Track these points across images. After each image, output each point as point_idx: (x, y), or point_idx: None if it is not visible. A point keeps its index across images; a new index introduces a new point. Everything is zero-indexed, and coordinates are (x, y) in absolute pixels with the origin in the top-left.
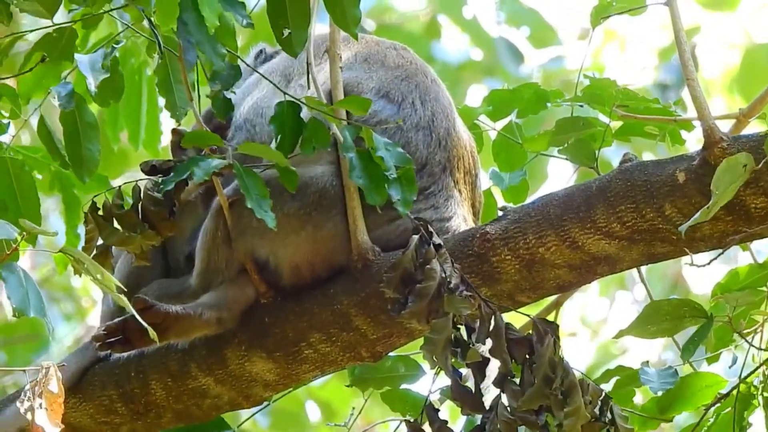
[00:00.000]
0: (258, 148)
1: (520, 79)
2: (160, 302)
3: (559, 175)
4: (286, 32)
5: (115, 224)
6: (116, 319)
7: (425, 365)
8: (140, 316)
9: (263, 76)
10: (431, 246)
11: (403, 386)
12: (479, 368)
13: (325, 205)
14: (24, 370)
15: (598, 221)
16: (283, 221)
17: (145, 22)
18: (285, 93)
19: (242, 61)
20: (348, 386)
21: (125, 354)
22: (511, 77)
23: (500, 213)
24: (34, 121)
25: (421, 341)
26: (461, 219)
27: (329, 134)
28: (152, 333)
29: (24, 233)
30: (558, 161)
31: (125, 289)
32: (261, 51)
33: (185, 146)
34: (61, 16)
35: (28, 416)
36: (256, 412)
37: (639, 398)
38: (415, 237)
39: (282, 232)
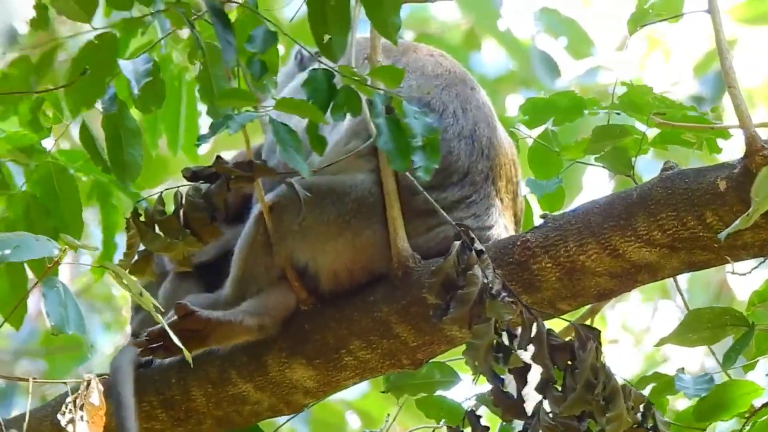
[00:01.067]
0: (293, 104)
1: (556, 91)
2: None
3: (595, 185)
4: (326, 38)
5: (157, 230)
6: (158, 326)
7: (461, 372)
8: (181, 323)
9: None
10: (473, 252)
11: (439, 393)
12: (521, 374)
13: (364, 212)
14: (65, 383)
15: (638, 229)
16: (323, 228)
17: (186, 29)
18: (320, 61)
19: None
20: (383, 392)
21: (166, 360)
22: (548, 89)
23: (541, 220)
24: (75, 129)
25: (458, 348)
26: (502, 227)
27: (360, 102)
28: (186, 353)
29: (65, 248)
30: (594, 172)
31: (162, 310)
32: (300, 54)
33: (219, 104)
34: (99, 23)
35: (69, 428)
36: (291, 418)
37: (678, 405)
38: (457, 243)
39: (322, 239)
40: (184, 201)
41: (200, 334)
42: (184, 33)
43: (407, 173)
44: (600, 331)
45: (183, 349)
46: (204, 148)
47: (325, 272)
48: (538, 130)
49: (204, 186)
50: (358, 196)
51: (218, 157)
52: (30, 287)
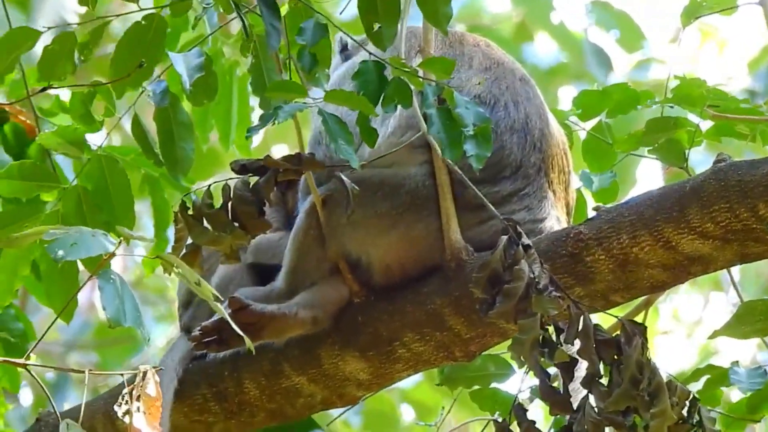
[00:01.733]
0: (344, 96)
1: (609, 84)
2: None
3: (648, 178)
4: (376, 26)
5: (205, 224)
6: (212, 320)
7: (515, 364)
8: (235, 317)
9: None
10: (520, 247)
11: (493, 385)
12: (567, 369)
13: (417, 205)
14: (121, 374)
15: (691, 221)
16: (376, 221)
17: (236, 24)
18: (370, 53)
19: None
20: (437, 385)
21: (220, 353)
22: (600, 83)
23: (593, 213)
24: (126, 123)
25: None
26: (555, 219)
27: (411, 94)
28: (247, 341)
29: (120, 240)
30: (647, 165)
31: (221, 298)
32: (343, 43)
33: (269, 96)
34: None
35: (126, 419)
36: (344, 412)
37: (732, 397)
38: (504, 237)
39: (374, 232)
40: (232, 194)
41: (254, 327)
42: (235, 28)
43: (457, 168)
44: (646, 327)
45: (245, 337)
46: (255, 141)
47: (377, 265)
48: (591, 123)
49: (252, 179)
50: (411, 188)
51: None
52: (84, 281)
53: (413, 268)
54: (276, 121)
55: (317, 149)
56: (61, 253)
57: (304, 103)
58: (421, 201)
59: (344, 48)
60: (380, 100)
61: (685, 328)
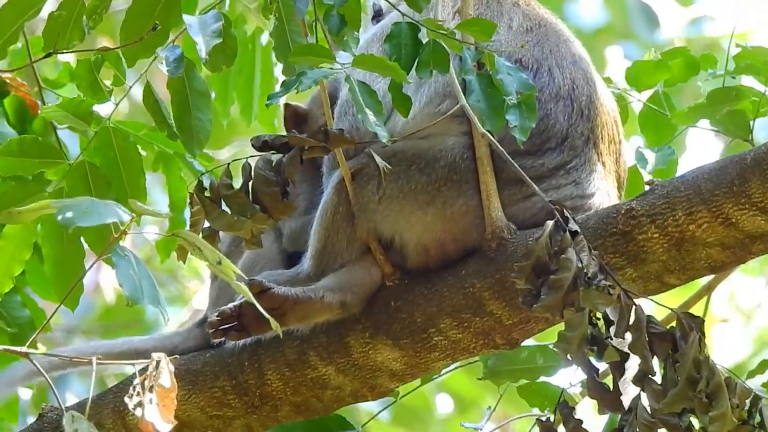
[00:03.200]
0: (374, 61)
1: (656, 45)
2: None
3: (700, 146)
4: None
5: (224, 206)
6: (231, 304)
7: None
8: (257, 301)
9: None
10: (567, 233)
11: (541, 379)
12: (618, 365)
13: (455, 180)
14: (132, 364)
15: (753, 196)
16: (411, 197)
17: None
18: (404, 15)
19: None
20: (480, 379)
21: (239, 342)
22: (646, 41)
23: (647, 187)
24: (135, 93)
25: (558, 327)
26: (605, 194)
27: (448, 58)
28: (274, 323)
29: (133, 216)
30: (700, 132)
31: (245, 277)
32: (378, 9)
33: (293, 61)
34: None
35: (137, 412)
36: (381, 411)
37: None
38: (550, 223)
39: (408, 209)
40: (253, 174)
41: (277, 312)
42: None
43: (497, 142)
44: (704, 321)
45: (271, 320)
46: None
47: (412, 246)
48: (646, 93)
49: (275, 157)
50: (449, 161)
51: (287, 105)
52: (94, 260)
53: (452, 249)
54: (299, 89)
55: (343, 120)
56: (71, 215)
57: (331, 68)
58: (460, 175)
59: (377, 14)
60: (414, 66)
61: (744, 314)
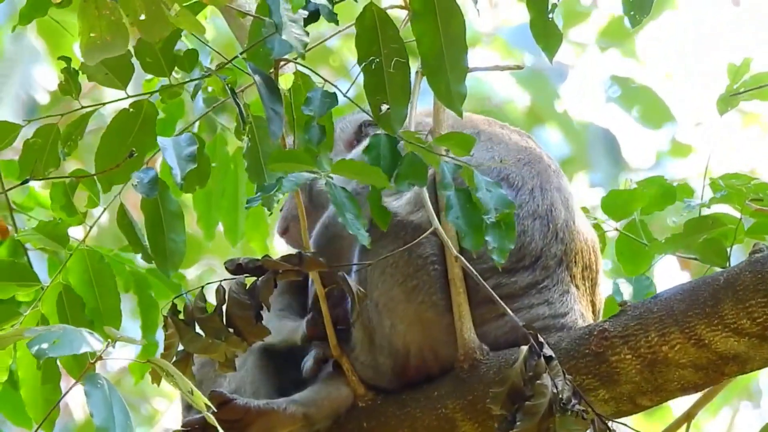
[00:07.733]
0: (355, 167)
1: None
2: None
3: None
4: (384, 108)
5: (198, 329)
6: (197, 415)
7: None
8: (218, 412)
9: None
10: (541, 358)
11: None
12: None
13: (430, 290)
14: None
15: (726, 317)
16: (387, 299)
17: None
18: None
19: None
20: None
21: None
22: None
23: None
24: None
25: None
26: (578, 315)
27: (426, 172)
28: None
29: (109, 342)
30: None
31: (214, 408)
32: (364, 124)
33: (272, 168)
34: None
35: None
36: None
37: None
38: (524, 348)
39: (386, 312)
40: (227, 297)
41: (240, 424)
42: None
43: (470, 266)
44: None
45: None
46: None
47: (390, 350)
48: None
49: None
50: (425, 271)
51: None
52: (71, 385)
53: (426, 362)
54: (282, 192)
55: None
56: (44, 347)
57: (313, 173)
58: (434, 289)
59: (364, 127)
60: (393, 178)
61: None
